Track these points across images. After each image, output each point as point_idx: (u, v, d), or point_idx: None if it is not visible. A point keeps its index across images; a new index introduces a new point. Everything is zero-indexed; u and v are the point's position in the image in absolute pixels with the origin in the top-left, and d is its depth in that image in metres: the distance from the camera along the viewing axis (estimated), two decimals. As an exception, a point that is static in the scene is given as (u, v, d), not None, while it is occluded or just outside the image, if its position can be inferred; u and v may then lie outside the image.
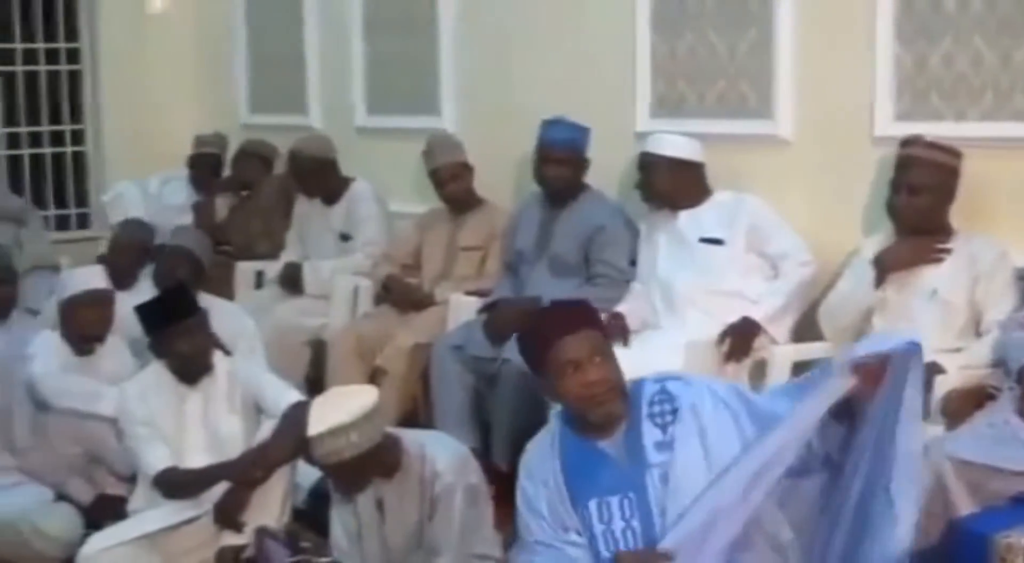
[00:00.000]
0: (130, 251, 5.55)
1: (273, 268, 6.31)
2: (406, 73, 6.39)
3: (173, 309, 4.29)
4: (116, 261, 5.49)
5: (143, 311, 4.36)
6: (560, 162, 5.16)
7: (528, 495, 3.19)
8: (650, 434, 3.07)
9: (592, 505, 3.09)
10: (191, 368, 4.32)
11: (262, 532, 3.69)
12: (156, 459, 4.24)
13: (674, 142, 4.85)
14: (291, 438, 4.05)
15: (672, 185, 4.83)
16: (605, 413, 3.09)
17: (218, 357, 4.41)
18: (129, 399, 4.35)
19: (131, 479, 4.51)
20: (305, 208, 6.37)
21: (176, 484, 4.22)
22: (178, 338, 4.25)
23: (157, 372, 4.37)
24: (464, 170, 5.66)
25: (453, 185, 5.63)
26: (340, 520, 3.74)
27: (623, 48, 5.35)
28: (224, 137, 7.13)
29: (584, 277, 5.12)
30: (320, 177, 6.20)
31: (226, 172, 7.11)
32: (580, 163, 5.19)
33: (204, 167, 7.06)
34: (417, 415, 5.27)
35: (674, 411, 3.07)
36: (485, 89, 6.03)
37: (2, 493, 4.44)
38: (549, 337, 3.12)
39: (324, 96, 6.91)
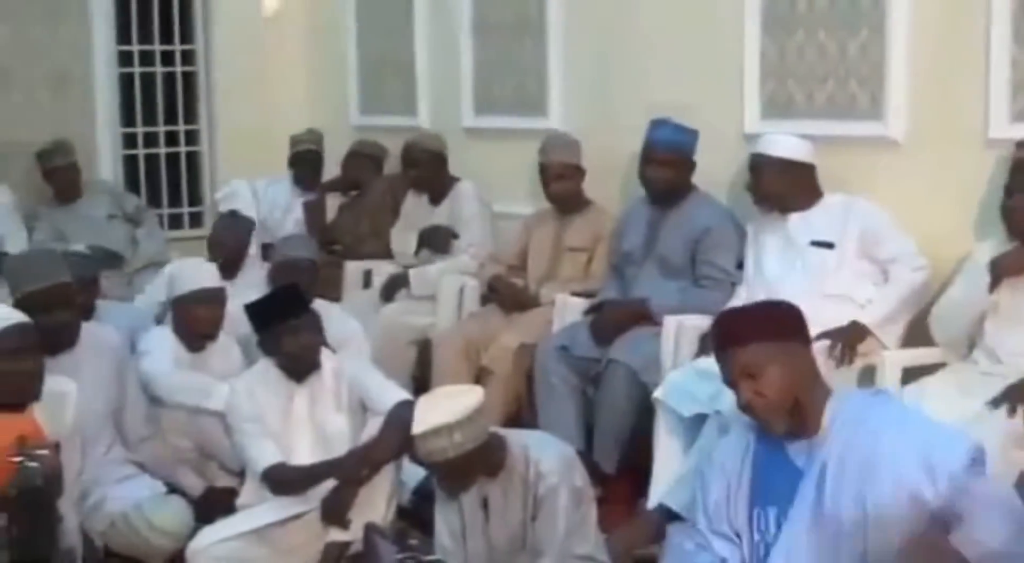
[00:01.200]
0: (224, 246, 5.67)
1: (381, 268, 6.38)
2: (514, 74, 6.41)
3: (282, 308, 4.34)
4: (214, 257, 5.62)
5: (253, 309, 4.42)
6: (663, 163, 5.13)
7: (705, 480, 3.18)
8: (838, 450, 2.94)
9: (771, 512, 3.04)
10: (299, 366, 4.37)
11: (371, 529, 3.72)
12: (264, 455, 4.30)
13: (785, 143, 4.80)
14: (396, 437, 4.08)
15: (783, 186, 4.78)
16: (770, 428, 3.04)
17: (325, 355, 4.45)
18: (238, 395, 4.41)
19: (240, 474, 4.59)
20: (412, 207, 6.42)
21: (283, 480, 4.27)
22: (287, 336, 4.31)
23: (265, 369, 4.42)
24: (574, 172, 5.64)
25: (557, 184, 5.63)
26: (444, 519, 3.76)
27: (732, 48, 5.31)
28: (318, 133, 7.21)
29: (691, 279, 5.10)
30: (432, 170, 6.27)
31: (331, 170, 7.17)
32: (684, 165, 5.16)
33: (305, 164, 7.13)
34: (522, 416, 5.28)
35: (874, 438, 2.94)
36: (593, 90, 6.02)
37: (115, 485, 4.51)
38: (715, 346, 3.12)
39: (433, 97, 6.95)
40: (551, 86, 6.20)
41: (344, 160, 7.03)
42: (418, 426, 3.49)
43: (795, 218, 4.77)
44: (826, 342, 4.46)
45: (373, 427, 4.25)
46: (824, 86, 5.03)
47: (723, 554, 3.08)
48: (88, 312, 5.00)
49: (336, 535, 4.15)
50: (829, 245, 4.67)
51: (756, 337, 3.02)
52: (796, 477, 3.01)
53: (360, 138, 7.12)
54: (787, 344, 3.04)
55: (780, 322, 3.09)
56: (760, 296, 4.77)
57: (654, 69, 5.68)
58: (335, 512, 4.14)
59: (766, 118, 5.22)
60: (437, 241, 6.23)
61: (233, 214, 6.15)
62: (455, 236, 6.19)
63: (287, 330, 4.30)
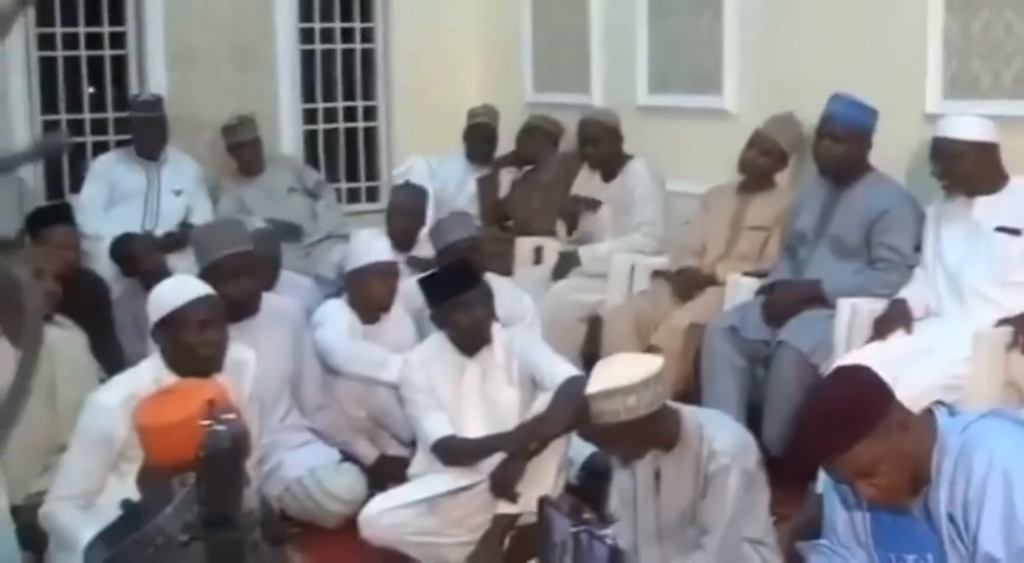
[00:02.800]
0: (404, 215, 5.81)
1: (552, 245, 6.41)
2: (689, 51, 6.36)
3: (455, 282, 4.41)
4: (393, 225, 5.73)
5: (426, 283, 4.50)
6: (837, 138, 5.04)
7: (831, 502, 3.09)
8: (947, 495, 2.79)
9: (893, 558, 2.95)
10: (471, 340, 4.43)
11: (545, 501, 3.74)
12: (435, 426, 4.37)
13: (971, 124, 4.64)
14: (566, 411, 4.11)
15: (971, 169, 4.62)
16: (897, 506, 2.87)
17: (496, 329, 4.50)
18: (411, 368, 4.50)
19: (412, 444, 4.68)
20: (584, 184, 6.43)
21: (454, 452, 4.34)
22: (459, 310, 4.37)
23: (438, 343, 4.50)
24: (778, 155, 5.53)
25: (756, 157, 5.52)
26: (618, 486, 3.77)
27: (914, 26, 5.18)
28: (494, 109, 7.26)
29: (864, 260, 5.01)
30: (608, 146, 6.23)
31: (505, 147, 7.22)
32: (859, 142, 5.05)
33: (479, 138, 7.19)
34: (689, 395, 5.25)
35: (967, 477, 2.75)
36: (768, 68, 5.94)
37: (292, 452, 4.66)
38: (812, 458, 2.90)
39: (606, 74, 6.95)
40: (726, 64, 6.14)
41: (520, 134, 7.05)
42: (593, 386, 3.50)
43: (982, 202, 4.62)
44: (1007, 329, 4.36)
45: (542, 402, 4.29)
46: (1010, 65, 4.89)
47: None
48: (270, 283, 5.16)
49: (505, 507, 4.20)
50: (1016, 231, 4.53)
51: (854, 440, 2.72)
52: (913, 525, 2.87)
53: (537, 113, 7.14)
54: (883, 427, 2.74)
55: (868, 409, 2.78)
56: (940, 281, 4.67)
57: (833, 47, 5.58)
58: (504, 485, 4.19)
59: (948, 98, 5.09)
60: (578, 209, 6.23)
61: (408, 184, 6.29)
62: (594, 204, 6.15)
63: (459, 304, 4.36)
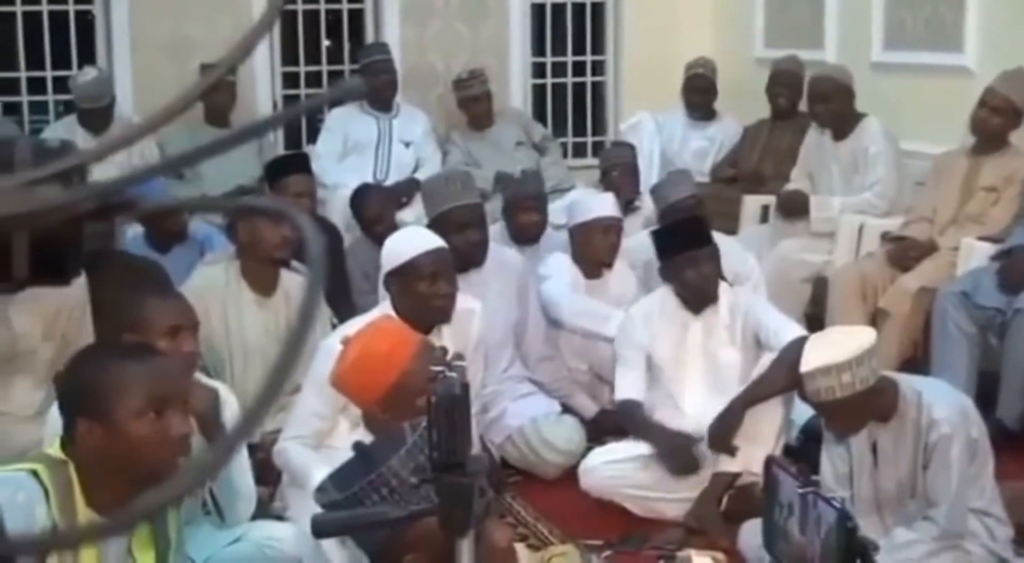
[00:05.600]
0: (626, 168, 5.87)
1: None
2: (928, 5, 6.15)
3: (686, 238, 4.39)
4: (615, 179, 5.81)
5: (657, 237, 4.51)
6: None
7: None
8: None
9: None
10: (697, 297, 4.41)
11: (772, 461, 3.72)
12: (627, 386, 4.42)
13: None
14: (787, 371, 4.06)
15: None
16: None
17: (723, 288, 4.47)
18: (632, 321, 4.50)
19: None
20: (814, 142, 6.30)
21: (626, 418, 4.41)
22: (688, 266, 4.36)
23: (663, 298, 4.49)
24: (1011, 113, 5.32)
25: (988, 116, 5.32)
26: (831, 461, 3.72)
27: None
28: (711, 61, 7.11)
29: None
30: (836, 104, 6.04)
31: (728, 101, 7.09)
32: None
33: (695, 90, 7.09)
34: (917, 361, 5.14)
35: None
36: (1014, 24, 5.70)
37: (514, 402, 4.73)
38: None
39: (841, 29, 6.78)
40: (968, 18, 5.91)
41: (769, 86, 6.79)
42: (806, 364, 3.47)
43: None
44: None
45: (766, 362, 4.24)
46: None
47: None
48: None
49: (725, 465, 4.20)
50: None
51: None
52: None
53: (765, 70, 6.99)
54: None
55: None
56: None
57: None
58: (720, 438, 4.17)
59: None
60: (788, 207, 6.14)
61: (617, 141, 6.28)
62: (854, 174, 6.01)
63: (688, 261, 4.35)
